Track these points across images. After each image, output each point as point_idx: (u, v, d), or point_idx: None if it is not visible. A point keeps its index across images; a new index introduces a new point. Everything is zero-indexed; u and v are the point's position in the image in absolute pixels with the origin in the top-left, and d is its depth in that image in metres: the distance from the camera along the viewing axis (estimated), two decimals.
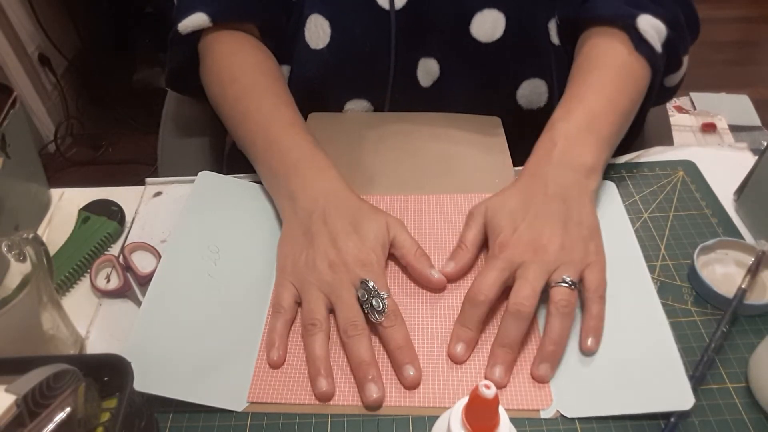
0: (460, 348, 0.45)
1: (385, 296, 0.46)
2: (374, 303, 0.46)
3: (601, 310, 0.46)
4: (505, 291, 0.47)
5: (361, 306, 0.47)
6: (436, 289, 0.51)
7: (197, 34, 0.65)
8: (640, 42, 0.58)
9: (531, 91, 0.67)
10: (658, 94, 0.62)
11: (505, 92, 0.68)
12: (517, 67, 0.67)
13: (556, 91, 0.68)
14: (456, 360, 0.45)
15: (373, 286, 0.47)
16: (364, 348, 0.45)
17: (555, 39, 0.66)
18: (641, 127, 0.63)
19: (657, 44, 0.58)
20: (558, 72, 0.67)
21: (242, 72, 0.62)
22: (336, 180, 0.54)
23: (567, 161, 0.52)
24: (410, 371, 0.44)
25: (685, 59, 0.63)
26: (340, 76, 0.68)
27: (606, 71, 0.58)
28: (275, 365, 0.46)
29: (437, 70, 0.67)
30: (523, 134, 0.65)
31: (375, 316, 0.46)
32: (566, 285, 0.45)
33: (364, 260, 0.48)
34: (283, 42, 0.68)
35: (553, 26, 0.66)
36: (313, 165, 0.55)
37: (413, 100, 0.69)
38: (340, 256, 0.48)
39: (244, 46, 0.65)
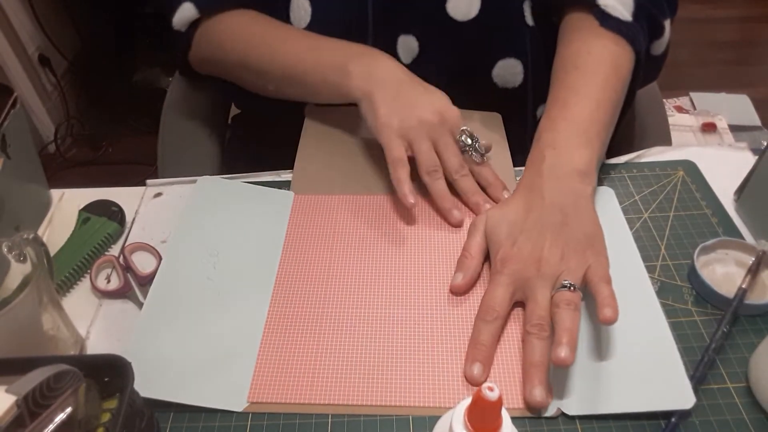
0: (477, 369, 0.44)
1: (483, 141, 0.59)
2: (477, 147, 0.58)
3: (611, 290, 0.45)
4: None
5: (463, 149, 0.58)
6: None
7: (192, 28, 0.68)
8: (605, 18, 0.58)
9: (506, 71, 0.68)
10: (646, 65, 0.61)
11: (481, 71, 0.69)
12: (493, 46, 0.67)
13: (531, 72, 0.68)
14: (474, 382, 0.44)
15: (472, 133, 0.58)
16: (471, 182, 0.58)
17: (530, 20, 0.66)
18: (631, 103, 0.63)
19: (624, 14, 0.58)
20: (533, 52, 0.67)
21: (245, 27, 0.67)
22: (397, 61, 0.61)
23: (558, 171, 0.52)
24: (505, 194, 0.58)
25: (667, 24, 0.63)
26: None
27: (584, 69, 0.57)
28: (409, 198, 0.55)
29: (416, 47, 0.68)
30: (500, 113, 0.68)
31: (477, 156, 0.58)
32: (566, 288, 0.46)
33: (457, 113, 0.58)
34: None
35: (527, 7, 0.66)
36: (374, 51, 0.61)
37: None
38: (440, 109, 0.57)
39: (243, 14, 0.68)
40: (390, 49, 0.68)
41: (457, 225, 0.56)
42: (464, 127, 0.58)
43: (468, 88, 0.69)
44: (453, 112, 0.58)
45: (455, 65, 0.68)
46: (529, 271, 0.47)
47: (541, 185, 0.51)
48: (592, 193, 0.52)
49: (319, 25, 0.66)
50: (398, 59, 0.68)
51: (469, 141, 0.57)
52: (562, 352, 0.42)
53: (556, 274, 0.47)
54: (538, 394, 0.42)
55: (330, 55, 0.62)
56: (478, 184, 0.58)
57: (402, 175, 0.55)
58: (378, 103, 0.57)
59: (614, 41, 0.58)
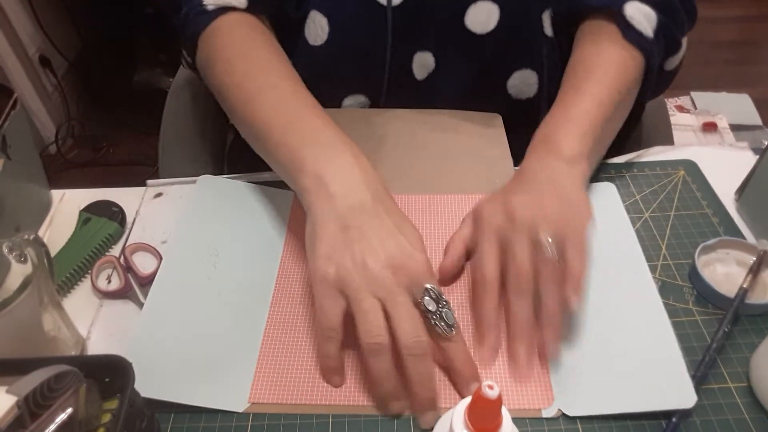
0: (492, 338, 0.46)
1: (450, 306, 0.42)
2: (445, 315, 0.41)
3: (580, 259, 0.45)
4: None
5: (425, 315, 0.41)
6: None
7: (220, 11, 0.59)
8: (627, 29, 0.58)
9: (521, 82, 0.68)
10: (658, 79, 0.62)
11: (497, 82, 0.68)
12: (509, 58, 0.67)
13: (546, 82, 0.68)
14: (485, 357, 0.46)
15: (440, 294, 0.42)
16: (430, 367, 0.41)
17: (549, 31, 0.66)
18: (640, 117, 0.63)
19: (647, 29, 0.58)
20: (549, 63, 0.67)
21: (255, 48, 0.58)
22: (373, 171, 0.47)
23: (549, 156, 0.52)
24: (473, 386, 0.42)
25: (684, 41, 0.63)
26: (337, 72, 0.68)
27: (592, 71, 0.57)
28: (338, 386, 0.44)
29: (432, 62, 0.68)
30: (512, 124, 0.67)
31: (444, 328, 0.41)
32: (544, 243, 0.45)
33: (424, 263, 0.42)
34: (286, 37, 0.68)
35: (547, 18, 0.66)
36: (346, 149, 0.47)
37: (408, 93, 0.69)
38: (399, 255, 0.42)
39: (259, 28, 0.61)
40: (405, 66, 0.68)
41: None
42: (429, 285, 0.42)
43: (482, 101, 0.69)
44: (416, 262, 0.42)
45: (470, 78, 0.68)
46: (504, 223, 0.47)
47: (532, 167, 0.52)
48: (584, 179, 0.52)
49: (336, 43, 0.66)
50: (412, 76, 0.68)
51: (432, 307, 0.41)
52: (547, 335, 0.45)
53: (533, 223, 0.46)
54: (522, 351, 0.45)
55: (301, 138, 0.49)
56: (451, 362, 0.43)
57: (330, 350, 0.43)
58: (319, 233, 0.44)
59: (630, 53, 0.58)
